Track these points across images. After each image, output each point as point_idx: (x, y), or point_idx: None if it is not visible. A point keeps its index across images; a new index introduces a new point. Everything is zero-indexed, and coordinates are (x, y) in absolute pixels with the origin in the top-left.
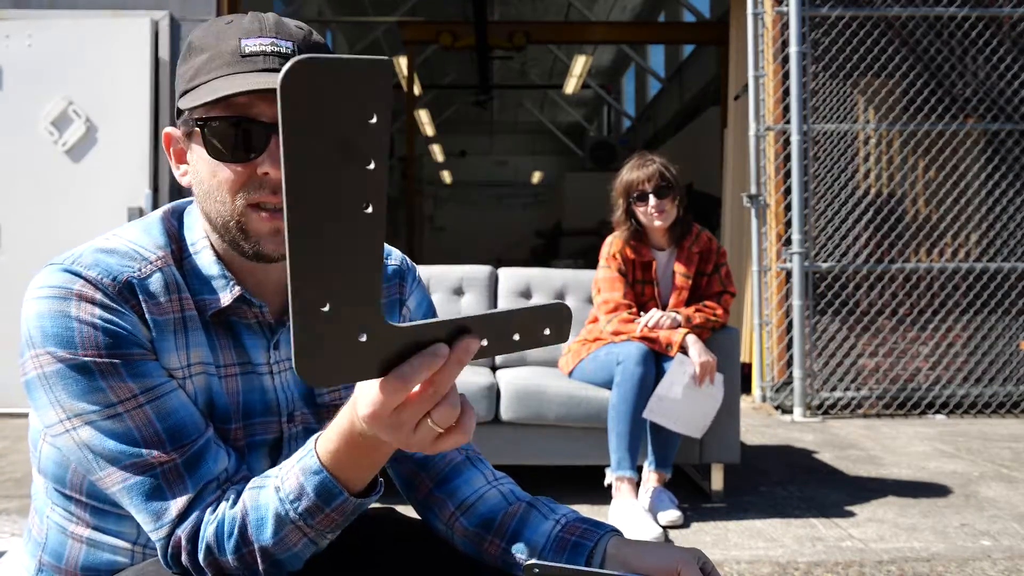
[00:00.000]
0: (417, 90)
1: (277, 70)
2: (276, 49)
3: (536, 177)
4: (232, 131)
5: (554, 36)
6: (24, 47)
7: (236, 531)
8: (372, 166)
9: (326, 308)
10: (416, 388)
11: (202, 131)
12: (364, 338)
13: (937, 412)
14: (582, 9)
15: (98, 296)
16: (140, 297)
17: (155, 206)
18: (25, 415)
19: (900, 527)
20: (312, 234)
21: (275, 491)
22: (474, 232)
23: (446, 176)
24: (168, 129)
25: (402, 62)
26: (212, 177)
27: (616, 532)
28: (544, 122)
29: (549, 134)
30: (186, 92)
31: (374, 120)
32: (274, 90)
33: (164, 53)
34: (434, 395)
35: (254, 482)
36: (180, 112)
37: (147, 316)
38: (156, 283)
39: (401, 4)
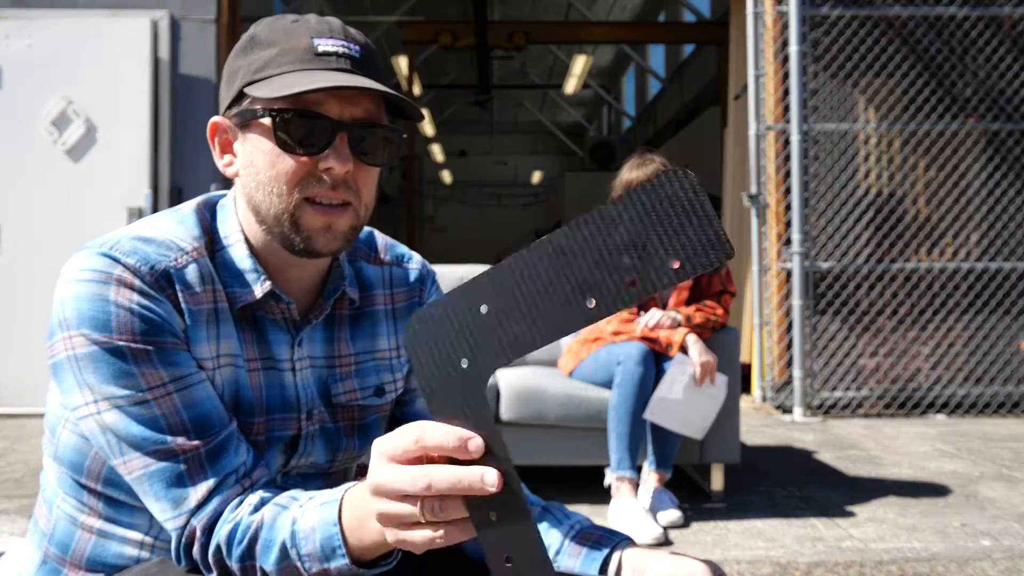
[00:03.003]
0: (417, 90)
1: (349, 70)
2: (347, 51)
3: (536, 177)
4: (303, 124)
5: (554, 36)
6: (24, 47)
7: (246, 542)
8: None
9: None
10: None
11: (273, 121)
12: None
13: (937, 412)
14: (582, 9)
15: (136, 283)
16: (176, 287)
17: (155, 206)
18: (26, 415)
19: (900, 527)
20: None
21: (291, 522)
22: (474, 232)
23: (446, 176)
24: (215, 119)
25: (402, 62)
26: (271, 168)
27: (630, 540)
28: (544, 122)
29: (549, 134)
30: (253, 82)
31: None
32: (348, 89)
33: (164, 53)
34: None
35: (281, 498)
36: (235, 102)
37: (183, 305)
38: (192, 273)
39: (401, 4)
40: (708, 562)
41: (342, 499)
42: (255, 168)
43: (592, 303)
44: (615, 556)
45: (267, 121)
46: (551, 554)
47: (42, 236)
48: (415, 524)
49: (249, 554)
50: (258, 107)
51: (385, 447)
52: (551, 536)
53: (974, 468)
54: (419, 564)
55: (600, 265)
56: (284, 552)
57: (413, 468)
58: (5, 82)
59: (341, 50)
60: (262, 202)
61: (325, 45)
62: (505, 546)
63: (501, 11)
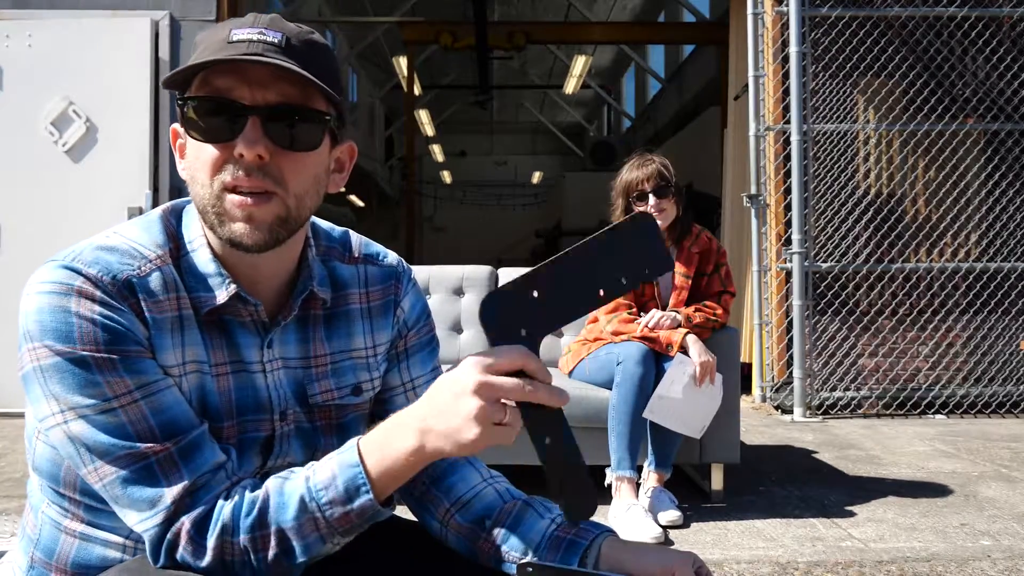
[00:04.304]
0: (417, 90)
1: (260, 55)
2: (263, 38)
3: (536, 177)
4: (210, 110)
5: (554, 36)
6: (24, 47)
7: (256, 511)
8: None
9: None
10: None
11: (182, 110)
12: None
13: (937, 412)
14: (582, 9)
15: (98, 293)
16: (139, 296)
17: (155, 206)
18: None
19: (900, 527)
20: None
21: (304, 480)
22: (474, 232)
23: (446, 176)
24: (174, 125)
25: (402, 62)
26: (196, 160)
27: (611, 532)
28: (544, 122)
29: (549, 134)
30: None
31: None
32: (255, 72)
33: (164, 53)
34: (532, 392)
35: (281, 473)
36: None
37: (146, 314)
38: (155, 282)
39: (401, 4)
40: (687, 553)
41: (358, 444)
42: (188, 163)
43: (601, 292)
44: (593, 548)
45: (181, 112)
46: (532, 548)
47: (42, 236)
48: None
49: (260, 523)
50: (177, 100)
51: (487, 362)
52: (533, 529)
53: (973, 468)
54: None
55: (610, 266)
56: (302, 507)
57: (516, 380)
58: (5, 82)
59: (255, 37)
60: (195, 196)
61: (239, 34)
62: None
63: (501, 11)
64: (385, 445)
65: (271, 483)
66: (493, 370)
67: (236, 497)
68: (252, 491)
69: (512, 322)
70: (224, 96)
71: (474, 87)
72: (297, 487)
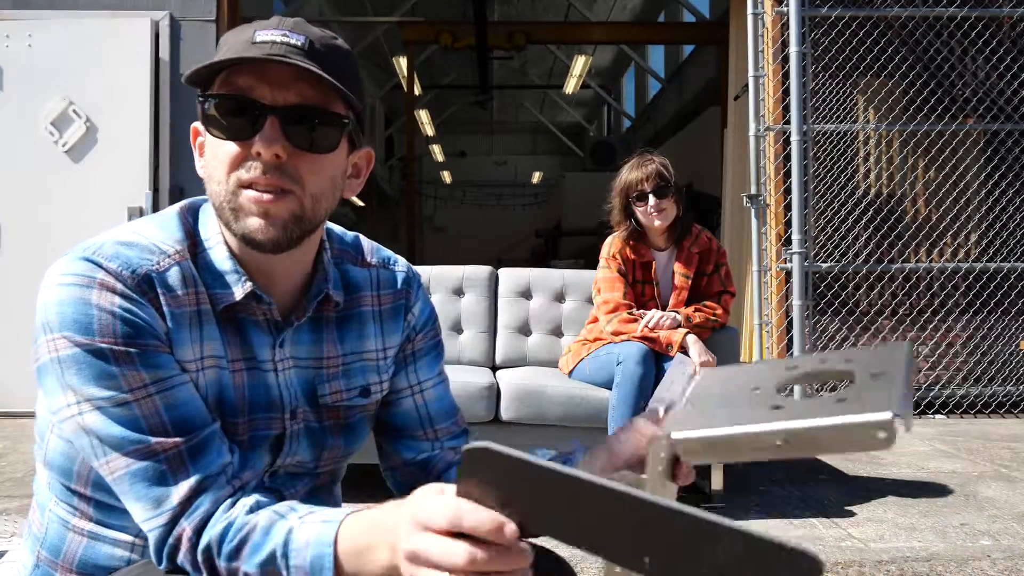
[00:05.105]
0: (417, 90)
1: (281, 56)
2: (286, 40)
3: (536, 177)
4: (231, 108)
5: (554, 36)
6: (24, 47)
7: (236, 541)
8: None
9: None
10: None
11: (203, 107)
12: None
13: (937, 412)
14: (582, 9)
15: (119, 286)
16: (158, 290)
17: (155, 206)
18: (26, 415)
19: (900, 527)
20: None
21: (287, 531)
22: (474, 232)
23: (446, 176)
24: (195, 123)
25: (402, 62)
26: (214, 157)
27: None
28: (544, 122)
29: (549, 134)
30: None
31: None
32: (277, 73)
33: (164, 53)
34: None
35: (280, 506)
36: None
37: (164, 309)
38: (174, 276)
39: (401, 4)
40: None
41: (341, 522)
42: (206, 161)
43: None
44: (575, 456)
45: (202, 109)
46: None
47: (42, 236)
48: None
49: (236, 554)
50: (199, 97)
51: (422, 517)
52: None
53: (973, 468)
54: None
55: (675, 558)
56: (271, 558)
57: (456, 543)
58: (5, 82)
59: (279, 39)
60: (212, 194)
61: (263, 35)
62: None
63: (501, 11)
64: (364, 546)
65: (264, 515)
66: (425, 528)
67: (234, 515)
68: (248, 513)
69: (488, 494)
70: (245, 95)
71: (474, 87)
72: (278, 535)
